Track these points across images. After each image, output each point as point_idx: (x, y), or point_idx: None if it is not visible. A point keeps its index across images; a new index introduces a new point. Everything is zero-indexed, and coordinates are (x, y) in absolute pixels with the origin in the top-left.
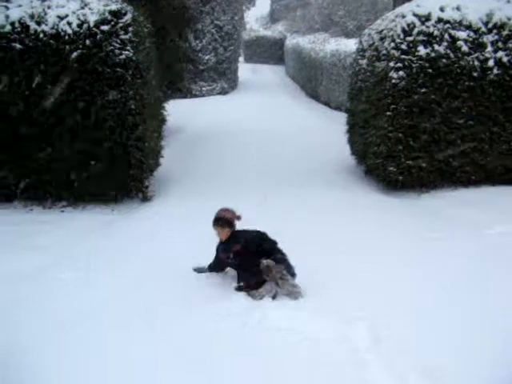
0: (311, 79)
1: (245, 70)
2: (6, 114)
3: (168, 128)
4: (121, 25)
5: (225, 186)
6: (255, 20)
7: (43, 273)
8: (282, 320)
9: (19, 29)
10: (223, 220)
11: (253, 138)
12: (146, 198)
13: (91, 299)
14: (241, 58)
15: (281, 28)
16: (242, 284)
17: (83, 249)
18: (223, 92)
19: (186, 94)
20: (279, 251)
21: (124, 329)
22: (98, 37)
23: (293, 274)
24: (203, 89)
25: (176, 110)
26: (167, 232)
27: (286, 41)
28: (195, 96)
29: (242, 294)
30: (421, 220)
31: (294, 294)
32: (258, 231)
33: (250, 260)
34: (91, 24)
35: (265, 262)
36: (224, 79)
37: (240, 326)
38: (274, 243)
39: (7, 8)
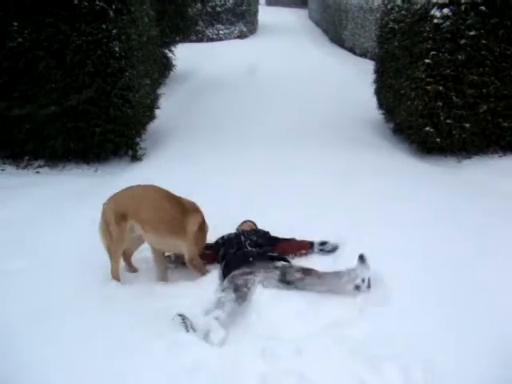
0: (335, 23)
1: (266, 14)
2: None
3: (176, 74)
4: None
5: (228, 144)
6: None
7: None
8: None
9: None
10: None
11: (269, 87)
12: (135, 158)
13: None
14: (262, 1)
15: None
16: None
17: (42, 228)
18: (242, 36)
19: (203, 37)
20: None
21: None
22: None
23: None
24: (220, 32)
25: (188, 55)
26: None
27: None
28: (212, 40)
29: None
30: (469, 198)
31: None
32: None
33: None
34: None
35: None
36: (243, 22)
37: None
38: None
39: None
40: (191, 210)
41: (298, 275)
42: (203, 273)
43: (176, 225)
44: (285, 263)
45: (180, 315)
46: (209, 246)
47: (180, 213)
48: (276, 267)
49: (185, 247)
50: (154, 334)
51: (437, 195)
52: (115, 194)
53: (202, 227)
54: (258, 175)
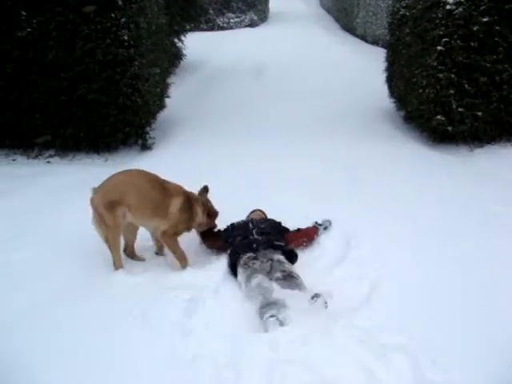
0: (347, 11)
1: (277, 2)
2: None
3: (185, 64)
4: None
5: (239, 133)
6: None
7: None
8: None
9: None
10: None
11: (279, 76)
12: (145, 146)
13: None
14: None
15: None
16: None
17: (50, 217)
18: (253, 24)
19: (213, 26)
20: None
21: None
22: None
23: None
24: (231, 21)
25: (198, 44)
26: None
27: None
28: (222, 29)
29: None
30: (480, 187)
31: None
32: None
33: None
34: None
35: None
36: (254, 11)
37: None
38: None
39: None
40: (174, 193)
41: (279, 275)
42: (178, 255)
43: (158, 207)
44: (280, 257)
45: (272, 316)
46: (217, 234)
47: (162, 195)
48: (270, 259)
49: (163, 226)
50: (158, 328)
51: (448, 184)
52: (102, 184)
53: (185, 209)
54: (269, 164)
